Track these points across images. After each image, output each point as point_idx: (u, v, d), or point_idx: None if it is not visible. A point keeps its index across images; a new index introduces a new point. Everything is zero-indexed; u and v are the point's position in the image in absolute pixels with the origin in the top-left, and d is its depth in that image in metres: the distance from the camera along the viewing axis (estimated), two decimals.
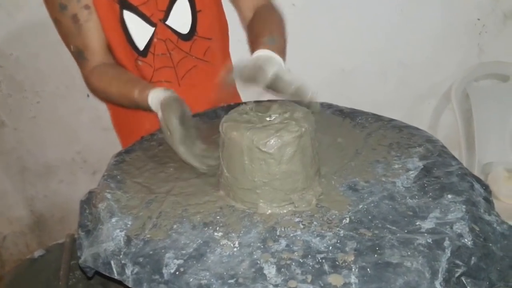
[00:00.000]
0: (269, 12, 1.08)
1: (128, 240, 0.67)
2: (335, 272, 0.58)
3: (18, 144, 1.72)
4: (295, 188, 0.72)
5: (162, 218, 0.71)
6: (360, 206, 0.71)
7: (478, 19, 1.65)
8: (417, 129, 0.92)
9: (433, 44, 1.67)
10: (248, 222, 0.69)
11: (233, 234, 0.66)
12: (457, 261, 0.60)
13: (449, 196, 0.71)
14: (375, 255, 0.60)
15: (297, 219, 0.69)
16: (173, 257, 0.63)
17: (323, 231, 0.66)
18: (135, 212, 0.73)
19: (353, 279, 0.57)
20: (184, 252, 0.63)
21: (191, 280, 0.59)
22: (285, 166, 0.71)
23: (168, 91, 0.87)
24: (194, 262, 0.62)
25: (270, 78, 0.82)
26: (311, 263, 0.60)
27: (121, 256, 0.65)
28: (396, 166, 0.80)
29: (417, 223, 0.66)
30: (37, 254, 1.17)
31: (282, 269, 0.59)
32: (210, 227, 0.68)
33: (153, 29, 1.04)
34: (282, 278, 0.58)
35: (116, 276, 0.64)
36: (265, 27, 1.00)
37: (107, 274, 0.66)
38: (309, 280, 0.57)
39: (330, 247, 0.62)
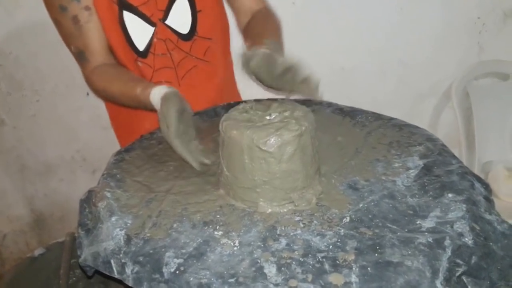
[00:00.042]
0: (267, 16, 1.08)
1: (128, 239, 0.67)
2: (335, 271, 0.58)
3: (18, 142, 1.72)
4: (295, 187, 0.72)
5: (162, 217, 0.71)
6: (361, 205, 0.71)
7: (478, 18, 1.64)
8: (417, 127, 0.92)
9: (433, 42, 1.67)
10: (248, 221, 0.69)
11: (233, 233, 0.66)
12: (458, 260, 0.60)
13: (450, 195, 0.71)
14: (376, 254, 0.60)
15: (297, 218, 0.69)
16: (173, 256, 0.62)
17: (323, 230, 0.66)
18: (135, 211, 0.73)
19: (353, 278, 0.57)
20: (184, 251, 0.63)
21: (191, 279, 0.59)
22: (285, 165, 0.71)
23: (170, 88, 0.87)
24: (194, 261, 0.61)
25: (281, 66, 0.81)
26: (311, 262, 0.60)
27: (121, 255, 0.65)
28: (396, 164, 0.80)
29: (418, 222, 0.66)
30: (37, 252, 1.17)
31: (283, 268, 0.59)
32: (210, 226, 0.68)
33: (153, 29, 1.04)
34: (283, 277, 0.58)
35: (116, 275, 0.64)
36: (265, 30, 1.00)
37: (107, 273, 0.65)
38: (309, 279, 0.57)
39: (331, 246, 0.62)
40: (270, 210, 0.71)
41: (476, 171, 1.61)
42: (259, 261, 0.61)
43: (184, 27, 1.07)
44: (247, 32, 1.08)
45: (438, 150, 0.83)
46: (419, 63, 1.70)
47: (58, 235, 1.78)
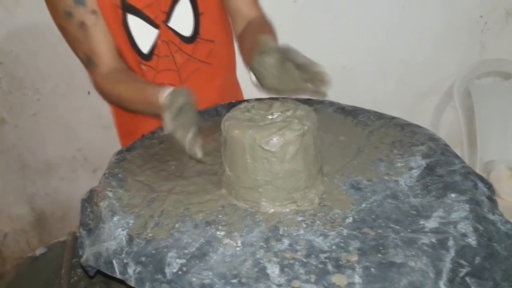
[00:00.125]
0: (263, 23, 1.07)
1: (130, 239, 0.66)
2: (338, 272, 0.58)
3: (19, 141, 1.72)
4: (297, 187, 0.72)
5: (164, 217, 0.70)
6: (363, 205, 0.70)
7: (480, 17, 1.64)
8: (420, 127, 0.92)
9: (434, 41, 1.67)
10: (251, 221, 0.69)
11: (236, 233, 0.66)
12: (461, 261, 0.60)
13: (453, 195, 0.70)
14: (379, 255, 0.60)
15: (299, 218, 0.69)
16: (175, 256, 0.62)
17: (326, 231, 0.65)
18: (137, 211, 0.72)
19: (357, 279, 0.57)
20: (186, 251, 0.63)
21: (193, 279, 0.59)
22: (287, 165, 0.70)
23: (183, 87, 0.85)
24: (197, 261, 0.61)
25: (302, 58, 0.78)
26: (314, 263, 0.60)
27: (123, 255, 0.64)
28: (399, 164, 0.80)
29: (421, 223, 0.66)
30: (38, 252, 1.17)
31: (285, 269, 0.59)
32: (213, 226, 0.68)
33: (157, 31, 1.03)
34: (286, 278, 0.58)
35: (118, 276, 0.64)
36: (263, 33, 0.99)
37: (109, 274, 0.65)
38: (312, 280, 0.57)
39: (334, 247, 0.62)
40: (272, 210, 0.71)
41: (478, 170, 1.61)
42: (261, 262, 0.60)
43: (186, 29, 1.07)
44: (243, 37, 1.07)
45: (440, 150, 0.82)
46: (420, 62, 1.69)
47: (59, 234, 1.78)
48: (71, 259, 1.10)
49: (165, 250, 0.64)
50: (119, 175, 0.82)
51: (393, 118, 0.96)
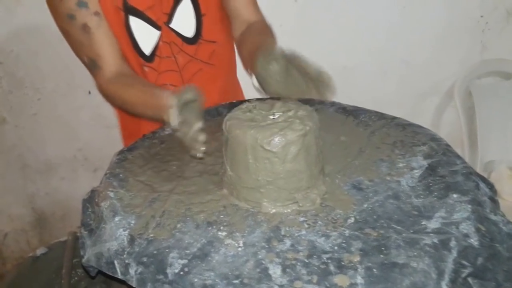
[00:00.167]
0: (264, 28, 1.06)
1: (132, 240, 0.66)
2: (341, 272, 0.58)
3: (19, 141, 1.71)
4: (299, 187, 0.72)
5: (165, 217, 0.70)
6: (365, 206, 0.70)
7: (481, 17, 1.64)
8: (421, 127, 0.92)
9: (435, 41, 1.66)
10: (252, 222, 0.69)
11: (237, 234, 0.66)
12: (464, 262, 0.60)
13: (455, 195, 0.70)
14: (381, 255, 0.60)
15: (301, 219, 0.69)
16: (177, 256, 0.62)
17: (328, 231, 0.65)
18: (138, 211, 0.72)
19: (359, 279, 0.57)
20: (188, 251, 0.63)
21: (195, 280, 0.58)
22: (289, 165, 0.70)
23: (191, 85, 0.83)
24: (199, 262, 0.61)
25: (310, 67, 0.77)
26: (316, 264, 0.59)
27: (124, 256, 0.64)
28: (401, 164, 0.80)
29: (423, 223, 0.65)
30: (39, 252, 1.17)
31: (288, 270, 0.59)
32: (214, 227, 0.68)
33: (158, 32, 1.03)
34: (288, 279, 0.57)
35: (119, 276, 0.64)
36: (265, 39, 0.98)
37: (111, 274, 0.65)
38: (314, 281, 0.57)
39: (336, 247, 0.62)
40: (274, 211, 0.71)
41: (478, 170, 1.61)
42: (263, 262, 0.60)
43: (188, 30, 1.06)
44: (243, 40, 1.06)
45: (442, 150, 0.82)
46: (421, 62, 1.69)
47: (60, 234, 1.77)
48: (71, 259, 1.09)
49: (166, 250, 0.63)
50: (120, 175, 0.82)
51: (394, 118, 0.96)
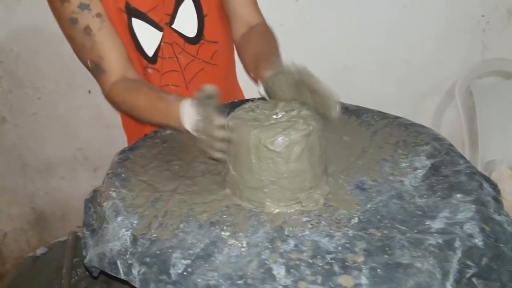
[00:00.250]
0: (267, 32, 1.06)
1: (134, 240, 0.66)
2: (345, 273, 0.58)
3: (19, 140, 1.71)
4: (302, 187, 0.71)
5: (168, 217, 0.70)
6: (369, 206, 0.70)
7: (482, 16, 1.63)
8: (423, 127, 0.92)
9: (436, 41, 1.66)
10: (255, 222, 0.69)
11: (241, 234, 0.66)
12: (468, 262, 0.59)
13: (458, 195, 0.70)
14: (385, 256, 0.60)
15: (305, 219, 0.68)
16: (180, 257, 0.62)
17: (331, 231, 0.65)
18: (141, 211, 0.72)
19: (363, 280, 0.56)
20: (191, 252, 0.63)
21: (199, 280, 0.58)
22: (293, 165, 0.70)
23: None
24: (202, 262, 0.61)
25: (317, 80, 0.77)
26: (320, 264, 0.59)
27: (127, 256, 0.64)
28: (404, 164, 0.80)
29: (427, 223, 0.65)
30: (39, 252, 1.17)
31: (291, 270, 0.59)
32: (217, 227, 0.67)
33: (161, 33, 1.03)
34: (292, 279, 0.57)
35: (122, 277, 0.64)
36: (271, 51, 0.98)
37: (113, 274, 0.65)
38: (319, 281, 0.57)
39: (339, 248, 0.62)
40: (277, 211, 0.71)
41: (479, 170, 1.61)
42: (267, 263, 0.60)
43: (190, 30, 1.06)
44: (246, 45, 1.05)
45: (445, 150, 0.82)
46: (422, 61, 1.69)
47: (59, 234, 1.77)
48: (72, 258, 1.09)
49: (169, 250, 0.63)
50: (122, 175, 0.82)
51: (396, 117, 0.95)
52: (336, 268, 0.58)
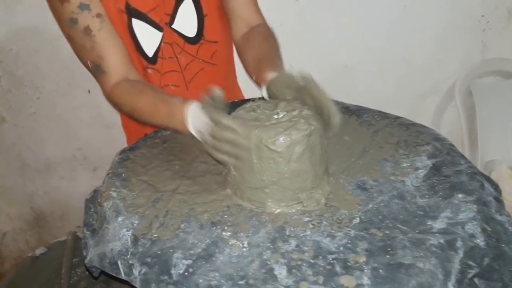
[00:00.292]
0: (268, 33, 1.06)
1: (135, 240, 0.66)
2: (347, 273, 0.57)
3: (18, 140, 1.70)
4: (304, 187, 0.71)
5: (169, 217, 0.70)
6: (370, 206, 0.70)
7: (482, 16, 1.63)
8: (424, 127, 0.92)
9: (436, 41, 1.66)
10: (257, 222, 0.68)
11: (242, 234, 0.66)
12: (470, 262, 0.59)
13: (460, 195, 0.70)
14: (387, 256, 0.60)
15: (306, 219, 0.68)
16: (181, 257, 0.62)
17: (333, 231, 0.65)
18: (142, 211, 0.72)
19: (365, 280, 0.56)
20: (192, 252, 0.62)
21: (200, 281, 0.58)
22: (294, 165, 0.70)
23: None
24: (203, 262, 0.61)
25: (319, 90, 0.77)
26: (322, 264, 0.59)
27: (128, 256, 0.64)
28: (405, 164, 0.80)
29: (428, 223, 0.65)
30: (38, 252, 1.16)
31: (293, 270, 0.58)
32: (218, 227, 0.67)
33: (161, 34, 1.02)
34: (293, 279, 0.57)
35: (123, 277, 0.63)
36: (274, 55, 0.97)
37: (114, 275, 0.65)
38: (320, 282, 0.56)
39: (341, 248, 0.62)
40: (278, 211, 0.70)
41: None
42: (269, 263, 0.60)
43: (190, 30, 1.06)
44: (248, 46, 1.05)
45: (446, 150, 0.82)
46: (422, 61, 1.69)
47: (59, 234, 1.77)
48: (71, 259, 1.09)
49: (170, 250, 0.63)
50: (123, 175, 0.82)
51: (397, 117, 0.95)
52: (338, 268, 0.58)
